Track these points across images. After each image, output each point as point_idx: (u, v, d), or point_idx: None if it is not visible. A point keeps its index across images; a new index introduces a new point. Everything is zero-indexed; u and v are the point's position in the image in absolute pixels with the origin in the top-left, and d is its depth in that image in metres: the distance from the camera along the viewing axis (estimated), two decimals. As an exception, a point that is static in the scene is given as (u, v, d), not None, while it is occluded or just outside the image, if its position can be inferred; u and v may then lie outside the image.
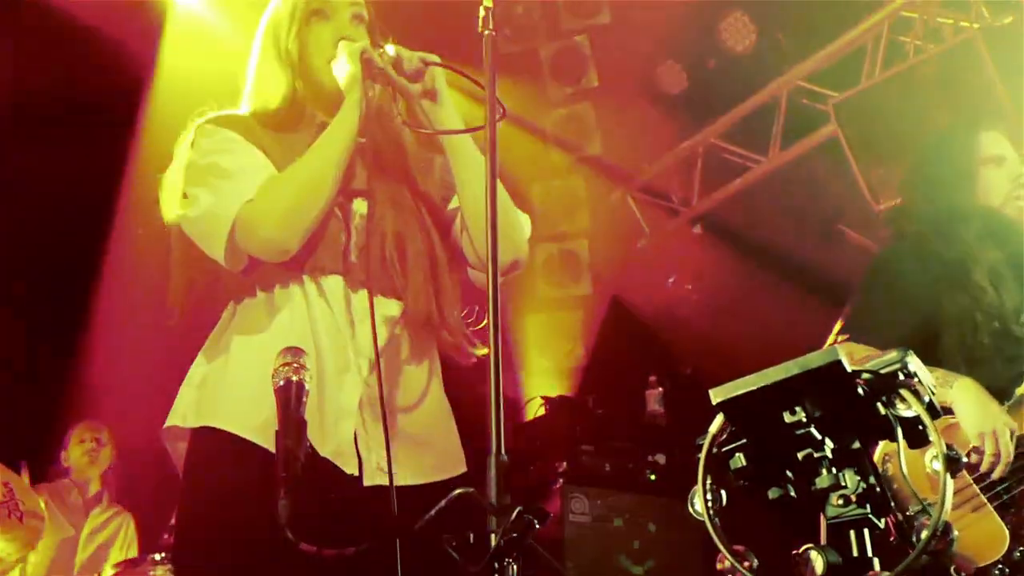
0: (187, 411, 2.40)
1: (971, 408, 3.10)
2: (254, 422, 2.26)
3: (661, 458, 5.97)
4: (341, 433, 2.33)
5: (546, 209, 7.69)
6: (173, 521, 4.82)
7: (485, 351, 2.29)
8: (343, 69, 2.44)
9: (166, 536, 4.86)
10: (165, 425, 2.43)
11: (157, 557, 4.66)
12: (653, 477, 5.90)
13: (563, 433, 5.85)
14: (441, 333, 2.50)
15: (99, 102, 6.52)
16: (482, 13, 2.30)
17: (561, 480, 5.56)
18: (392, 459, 2.28)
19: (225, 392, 2.36)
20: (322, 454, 2.27)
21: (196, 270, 2.50)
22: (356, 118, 2.39)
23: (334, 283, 2.41)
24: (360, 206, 2.47)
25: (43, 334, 6.47)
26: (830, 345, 3.34)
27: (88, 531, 5.75)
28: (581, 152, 7.67)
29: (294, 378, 1.94)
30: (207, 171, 2.41)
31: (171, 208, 2.49)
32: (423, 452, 2.43)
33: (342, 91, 2.45)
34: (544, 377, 7.39)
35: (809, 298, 6.03)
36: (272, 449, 2.08)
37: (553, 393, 7.12)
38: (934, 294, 3.35)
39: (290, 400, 1.93)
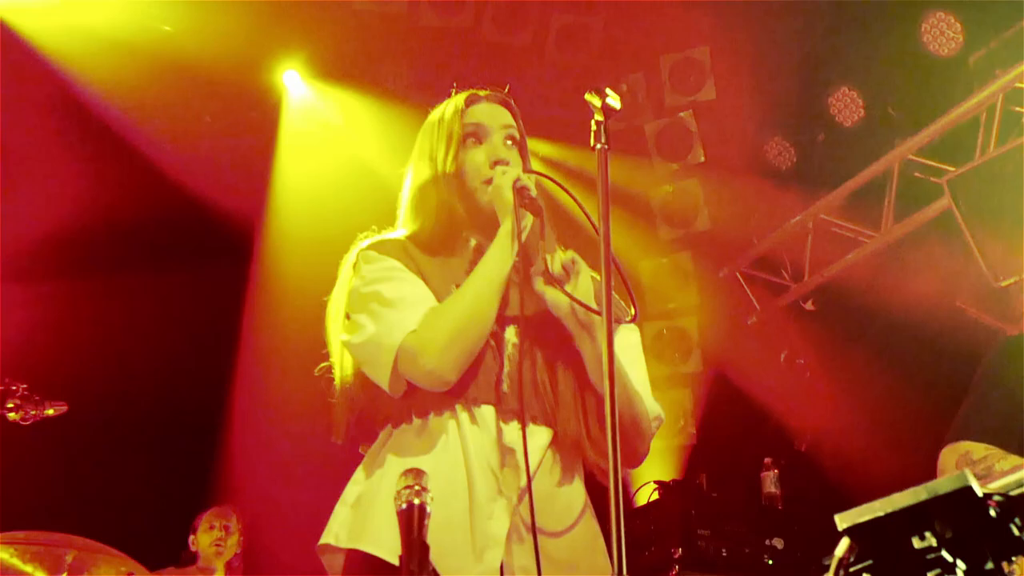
0: (340, 531, 2.47)
1: None
2: None
3: (779, 542, 5.86)
4: (487, 562, 2.35)
5: (655, 286, 7.70)
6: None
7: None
8: (498, 196, 2.50)
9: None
10: (320, 542, 2.50)
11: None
12: (771, 562, 5.79)
13: (678, 517, 5.77)
14: (587, 454, 2.52)
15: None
16: (594, 127, 2.33)
17: (677, 567, 5.49)
18: None
19: (377, 515, 2.39)
20: None
21: (358, 390, 2.59)
22: (511, 248, 2.45)
23: (487, 412, 2.46)
24: (512, 334, 2.53)
25: (182, 427, 6.67)
26: (948, 443, 3.27)
27: (214, 617, 5.85)
28: (689, 228, 7.67)
29: (416, 501, 1.95)
30: (371, 298, 2.50)
31: (335, 330, 2.61)
32: (571, 566, 2.43)
33: (496, 213, 2.52)
34: (655, 457, 7.32)
35: (926, 374, 5.92)
36: None
37: (664, 473, 7.06)
38: None
39: (412, 523, 1.94)
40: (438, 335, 2.38)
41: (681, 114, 7.56)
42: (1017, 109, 6.06)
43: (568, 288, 2.44)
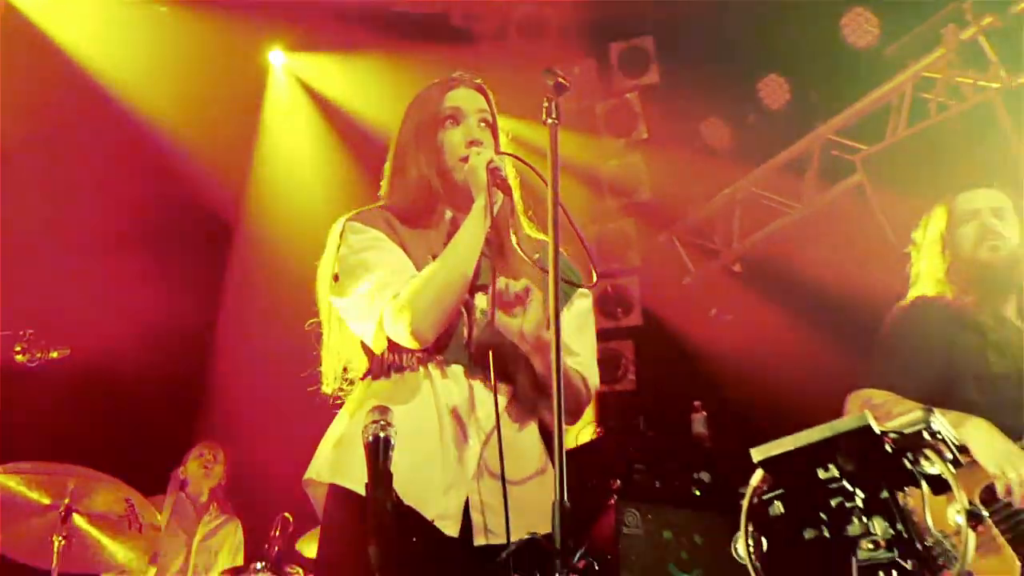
0: (322, 467, 2.49)
1: (985, 445, 3.05)
2: None
3: (706, 476, 5.93)
4: (451, 500, 2.39)
5: (601, 248, 7.70)
6: (275, 532, 4.89)
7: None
8: (473, 175, 2.51)
9: (265, 547, 4.90)
10: (305, 477, 2.52)
11: (259, 566, 4.70)
12: (698, 493, 5.85)
13: (617, 454, 5.83)
14: (543, 412, 2.57)
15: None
16: (546, 104, 2.32)
17: (616, 497, 5.53)
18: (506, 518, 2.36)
19: (356, 455, 2.32)
20: (427, 516, 2.34)
21: (343, 345, 2.63)
22: (483, 223, 2.46)
23: (456, 370, 2.49)
24: (481, 300, 2.54)
25: (170, 371, 6.59)
26: (856, 391, 3.32)
27: (200, 537, 5.79)
28: (632, 197, 7.67)
29: (381, 434, 1.97)
30: (358, 265, 2.52)
31: (324, 290, 2.63)
32: (530, 510, 2.42)
33: (470, 188, 2.53)
34: (599, 400, 7.36)
35: (839, 329, 5.97)
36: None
37: (607, 415, 7.10)
38: (949, 340, 3.31)
39: (378, 453, 1.96)
40: (420, 300, 2.39)
41: (627, 95, 7.55)
42: (925, 96, 6.10)
43: (518, 316, 2.42)
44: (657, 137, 7.51)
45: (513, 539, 2.34)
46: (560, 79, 2.30)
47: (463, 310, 2.51)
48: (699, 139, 7.33)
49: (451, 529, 2.36)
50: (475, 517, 2.39)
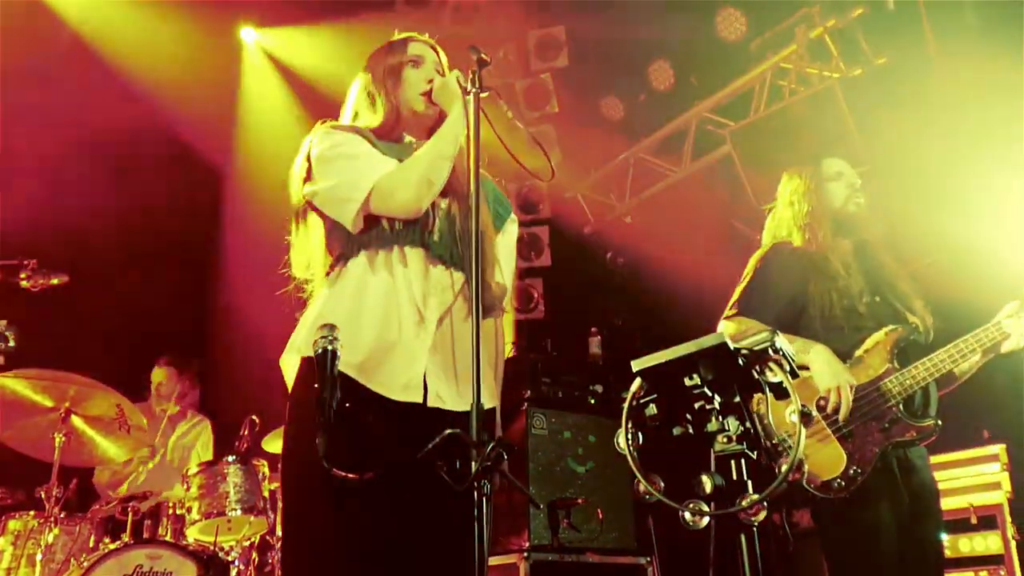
0: (301, 344, 2.35)
1: (822, 368, 3.12)
2: (353, 361, 2.20)
3: (599, 388, 5.97)
4: (413, 371, 2.29)
5: (517, 202, 7.67)
6: (244, 432, 4.81)
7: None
8: (445, 88, 2.46)
9: (236, 443, 4.83)
10: (284, 356, 2.38)
11: (230, 459, 4.65)
12: (593, 401, 5.90)
13: (528, 369, 5.83)
14: (486, 296, 2.40)
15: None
16: (469, 75, 2.28)
17: (526, 403, 5.56)
18: (454, 390, 2.31)
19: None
20: (396, 382, 2.24)
21: (313, 242, 2.50)
22: (462, 123, 2.40)
23: (418, 255, 2.39)
24: (442, 203, 2.45)
25: (159, 291, 6.36)
26: (724, 318, 3.35)
27: (175, 438, 5.68)
28: (544, 160, 7.62)
29: (329, 347, 1.93)
30: (336, 158, 2.41)
31: (297, 190, 2.48)
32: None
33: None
34: (514, 325, 7.38)
35: (709, 271, 6.04)
36: (362, 382, 2.19)
37: (520, 338, 7.13)
38: (802, 280, 3.35)
39: (326, 363, 1.92)
40: (412, 174, 2.34)
41: (542, 76, 7.47)
42: (780, 82, 6.16)
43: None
44: (566, 111, 7.46)
45: (460, 406, 2.30)
46: (482, 55, 2.26)
47: (429, 207, 2.41)
48: (600, 113, 7.31)
49: (414, 397, 2.27)
50: (431, 386, 2.30)
